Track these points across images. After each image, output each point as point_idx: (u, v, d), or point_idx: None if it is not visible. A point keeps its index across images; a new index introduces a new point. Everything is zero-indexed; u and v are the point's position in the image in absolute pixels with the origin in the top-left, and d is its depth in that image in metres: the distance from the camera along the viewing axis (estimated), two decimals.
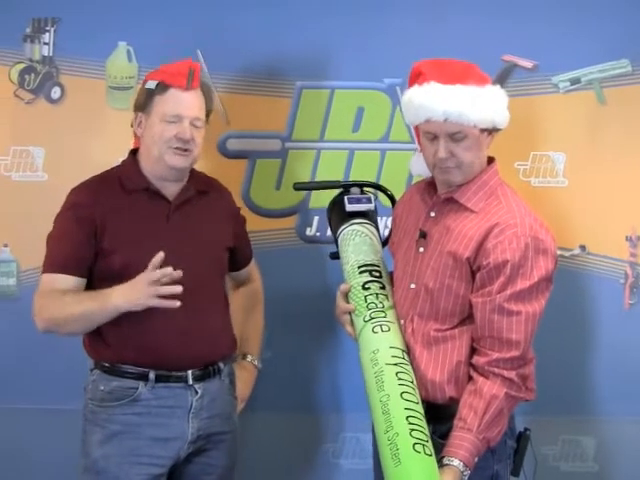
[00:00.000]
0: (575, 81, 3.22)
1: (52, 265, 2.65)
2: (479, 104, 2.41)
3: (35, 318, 2.64)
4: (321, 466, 3.38)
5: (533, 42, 3.21)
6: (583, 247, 3.26)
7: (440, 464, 2.33)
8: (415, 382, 2.43)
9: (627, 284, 3.26)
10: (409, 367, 2.45)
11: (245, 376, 2.92)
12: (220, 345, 2.77)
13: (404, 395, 2.37)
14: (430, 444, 2.32)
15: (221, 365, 2.76)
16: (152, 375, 2.65)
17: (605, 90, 3.22)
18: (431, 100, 2.41)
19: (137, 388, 2.65)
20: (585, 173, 3.26)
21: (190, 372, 2.68)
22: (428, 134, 2.45)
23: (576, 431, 3.33)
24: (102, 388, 2.67)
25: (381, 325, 2.51)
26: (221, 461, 2.78)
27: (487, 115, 2.42)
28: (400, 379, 2.40)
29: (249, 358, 2.95)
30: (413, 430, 2.31)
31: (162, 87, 2.66)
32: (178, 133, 2.64)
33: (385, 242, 2.80)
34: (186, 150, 2.66)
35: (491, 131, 2.47)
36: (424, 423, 2.35)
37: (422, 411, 2.38)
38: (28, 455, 3.31)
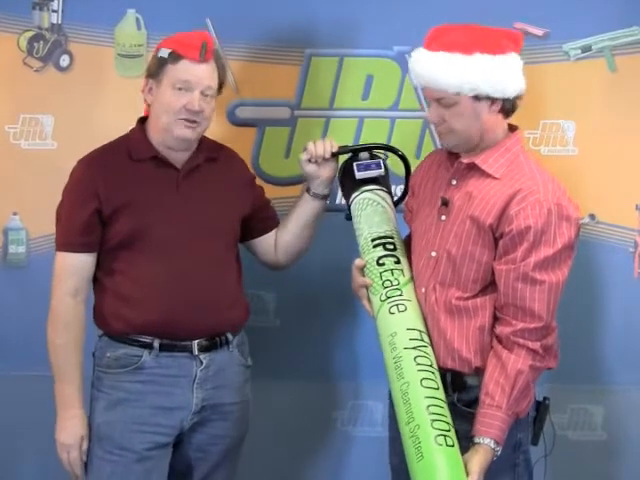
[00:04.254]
0: (586, 49, 3.20)
1: (64, 244, 2.68)
2: (458, 71, 2.36)
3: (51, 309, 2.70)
4: (330, 434, 3.39)
5: (544, 9, 3.19)
6: (593, 216, 3.25)
7: (472, 442, 2.35)
8: (435, 365, 2.42)
9: (637, 253, 3.25)
10: (428, 349, 2.45)
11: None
12: (230, 316, 2.76)
13: (424, 382, 2.36)
14: (452, 433, 2.31)
15: (229, 336, 2.76)
16: (156, 344, 2.66)
17: (616, 58, 3.20)
18: (414, 65, 2.48)
19: (141, 356, 2.66)
20: (595, 141, 3.24)
21: (196, 342, 2.69)
22: (426, 98, 2.53)
23: (585, 400, 3.34)
24: (109, 355, 2.69)
25: (397, 305, 2.49)
26: (229, 432, 2.79)
27: (466, 82, 2.37)
28: (419, 364, 2.40)
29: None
30: (434, 421, 2.30)
31: (174, 57, 2.62)
32: (187, 104, 2.62)
33: (397, 203, 2.79)
34: (194, 122, 2.64)
35: (493, 100, 2.42)
36: (445, 411, 2.34)
37: (443, 397, 2.37)
38: (38, 422, 3.30)
